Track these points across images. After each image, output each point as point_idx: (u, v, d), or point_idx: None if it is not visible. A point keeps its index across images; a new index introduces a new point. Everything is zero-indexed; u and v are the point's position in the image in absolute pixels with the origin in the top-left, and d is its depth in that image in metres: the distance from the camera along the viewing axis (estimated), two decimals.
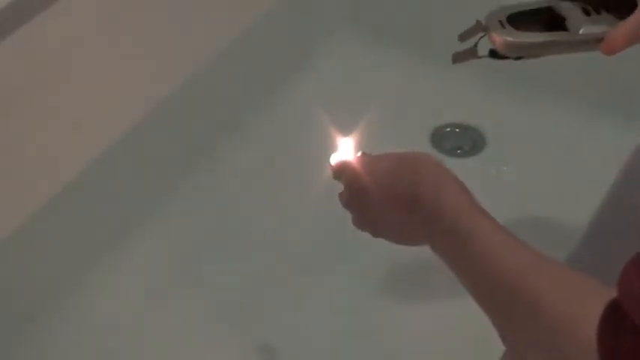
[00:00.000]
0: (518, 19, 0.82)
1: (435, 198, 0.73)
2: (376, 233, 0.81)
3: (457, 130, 1.31)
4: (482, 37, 0.81)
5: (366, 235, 0.81)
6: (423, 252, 0.76)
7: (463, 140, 1.30)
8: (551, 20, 0.83)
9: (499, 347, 0.71)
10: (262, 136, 1.30)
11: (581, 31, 0.81)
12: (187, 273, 1.14)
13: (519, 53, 0.81)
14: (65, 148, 1.15)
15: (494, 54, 0.82)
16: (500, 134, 1.30)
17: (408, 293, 1.09)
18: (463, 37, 0.82)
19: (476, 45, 0.82)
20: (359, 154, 0.82)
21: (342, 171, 0.82)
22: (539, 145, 1.28)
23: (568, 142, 1.28)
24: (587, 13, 0.82)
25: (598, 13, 0.83)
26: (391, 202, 0.76)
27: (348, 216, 0.82)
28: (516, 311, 0.65)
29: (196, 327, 1.08)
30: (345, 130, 0.91)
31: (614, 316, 0.58)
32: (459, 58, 0.83)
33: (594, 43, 0.80)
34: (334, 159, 0.84)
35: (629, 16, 0.78)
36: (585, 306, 0.60)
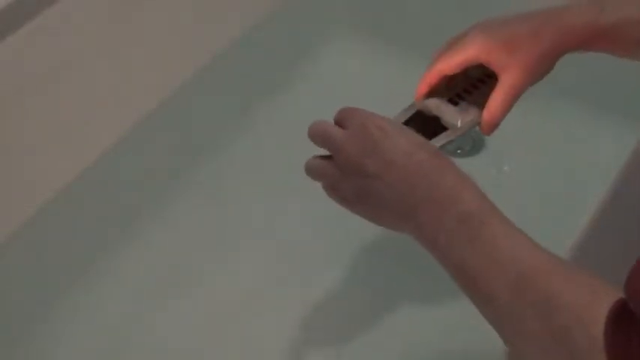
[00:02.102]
0: None
1: (458, 182, 0.72)
2: (361, 200, 0.75)
3: None
4: None
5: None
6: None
7: (463, 140, 1.30)
8: (426, 122, 0.85)
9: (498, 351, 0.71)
10: (262, 136, 1.30)
11: (459, 125, 0.84)
12: (187, 273, 1.14)
13: None
14: (65, 149, 1.15)
15: None
16: (500, 134, 1.30)
17: (413, 293, 1.09)
18: None
19: None
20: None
21: (350, 117, 0.78)
22: (539, 145, 1.28)
23: (568, 142, 1.28)
24: (454, 103, 0.85)
25: (463, 98, 0.86)
26: (404, 166, 0.73)
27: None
28: (525, 300, 0.64)
29: (196, 327, 1.08)
30: None
31: (621, 316, 0.58)
32: None
33: (474, 126, 0.85)
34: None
35: (487, 90, 0.83)
36: (597, 302, 0.60)
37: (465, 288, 0.70)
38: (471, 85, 0.86)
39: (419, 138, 0.77)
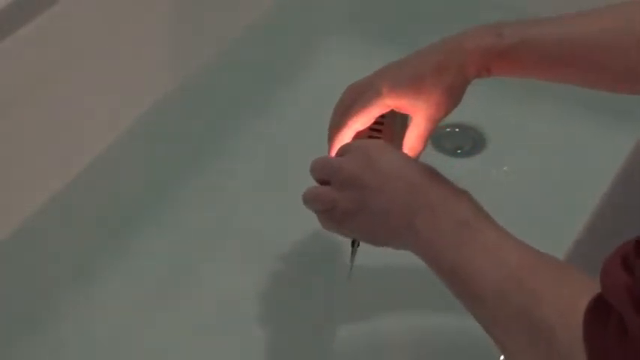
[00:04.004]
0: None
1: (455, 192, 0.74)
2: (357, 214, 0.78)
3: (457, 130, 1.31)
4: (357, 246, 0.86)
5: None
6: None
7: (463, 140, 1.30)
8: None
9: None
10: (262, 137, 1.30)
11: None
12: (187, 274, 1.13)
13: None
14: (65, 149, 1.15)
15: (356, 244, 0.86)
16: (500, 134, 1.30)
17: (414, 299, 1.09)
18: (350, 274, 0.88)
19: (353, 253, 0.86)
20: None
21: (348, 147, 0.82)
22: (539, 145, 1.28)
23: (568, 142, 1.28)
24: None
25: None
26: (403, 178, 0.76)
27: None
28: (510, 300, 0.65)
29: (196, 328, 1.08)
30: None
31: (599, 307, 0.59)
32: (351, 273, 0.88)
33: None
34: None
35: (393, 127, 0.86)
36: (579, 297, 0.61)
37: (456, 292, 0.72)
38: (371, 129, 0.86)
39: (411, 157, 0.81)
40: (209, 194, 1.23)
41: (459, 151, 1.28)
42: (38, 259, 1.11)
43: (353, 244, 0.86)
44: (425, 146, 0.85)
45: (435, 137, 1.29)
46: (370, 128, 0.85)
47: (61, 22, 1.09)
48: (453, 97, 0.84)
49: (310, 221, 0.88)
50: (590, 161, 1.23)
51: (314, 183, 0.84)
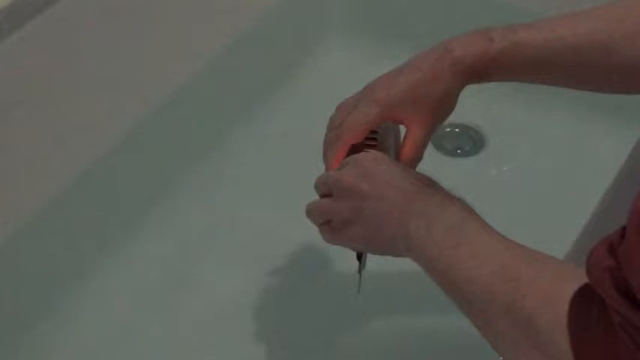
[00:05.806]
0: None
1: (448, 198, 0.75)
2: (354, 221, 0.79)
3: (457, 130, 1.31)
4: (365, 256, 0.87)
5: None
6: None
7: (463, 140, 1.30)
8: None
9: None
10: (262, 137, 1.30)
11: None
12: (187, 274, 1.14)
13: None
14: (64, 149, 1.15)
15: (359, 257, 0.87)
16: (500, 134, 1.30)
17: (414, 300, 1.09)
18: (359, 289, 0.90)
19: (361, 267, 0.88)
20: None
21: (346, 161, 0.83)
22: (539, 145, 1.28)
23: (568, 142, 1.28)
24: None
25: None
26: (400, 185, 0.77)
27: None
28: (497, 298, 0.66)
29: (196, 328, 1.08)
30: None
31: (584, 295, 0.60)
32: (360, 288, 0.90)
33: None
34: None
35: (387, 136, 0.87)
36: (563, 287, 0.62)
37: (450, 294, 0.72)
38: (365, 143, 0.86)
39: (407, 167, 0.82)
40: (209, 194, 1.23)
41: (459, 151, 1.28)
42: (38, 260, 1.10)
43: (359, 258, 0.86)
44: (422, 155, 0.86)
45: (435, 137, 1.29)
46: (364, 143, 0.86)
47: (61, 22, 1.10)
48: (447, 104, 0.84)
49: (308, 226, 0.88)
50: (591, 161, 1.23)
51: (312, 181, 0.84)
